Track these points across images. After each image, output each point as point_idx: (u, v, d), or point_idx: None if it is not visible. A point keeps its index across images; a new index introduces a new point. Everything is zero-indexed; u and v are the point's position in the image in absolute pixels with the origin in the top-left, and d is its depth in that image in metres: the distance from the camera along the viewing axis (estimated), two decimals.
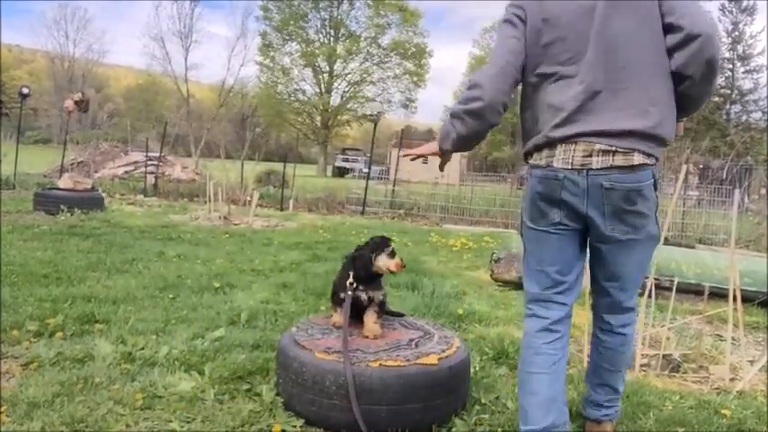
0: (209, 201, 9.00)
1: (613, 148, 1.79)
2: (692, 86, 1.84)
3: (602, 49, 1.81)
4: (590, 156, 1.81)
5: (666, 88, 1.84)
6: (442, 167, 2.16)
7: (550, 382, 1.90)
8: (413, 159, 2.21)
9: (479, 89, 1.87)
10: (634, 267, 1.95)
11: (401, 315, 2.67)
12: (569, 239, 1.93)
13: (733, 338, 3.19)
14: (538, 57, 1.88)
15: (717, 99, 37.94)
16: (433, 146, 2.07)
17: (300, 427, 2.10)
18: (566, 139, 1.83)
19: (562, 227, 1.91)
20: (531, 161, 1.95)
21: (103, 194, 9.59)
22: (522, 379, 1.94)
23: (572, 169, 1.83)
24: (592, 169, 1.81)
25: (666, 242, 3.83)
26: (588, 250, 2.00)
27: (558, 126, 1.84)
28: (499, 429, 2.15)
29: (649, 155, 1.81)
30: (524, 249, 2.04)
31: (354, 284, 2.34)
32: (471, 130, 1.92)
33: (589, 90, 1.82)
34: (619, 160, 1.80)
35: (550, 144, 1.87)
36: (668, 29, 1.80)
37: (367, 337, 2.32)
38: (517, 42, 1.89)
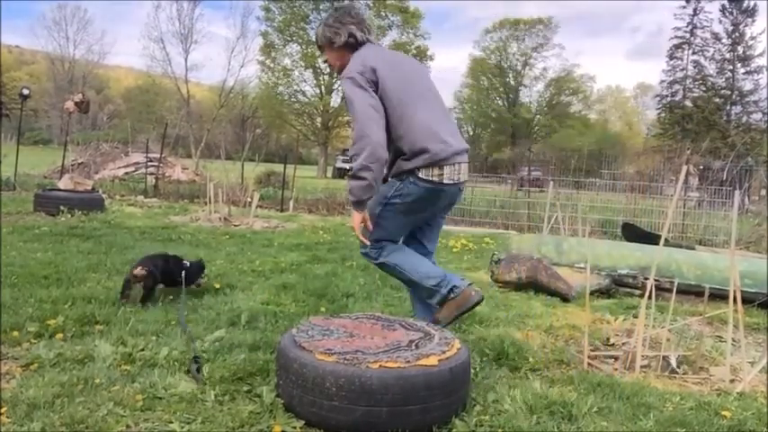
0: (210, 202, 8.99)
1: (467, 163, 2.79)
2: None
3: (433, 92, 2.87)
4: (460, 172, 2.74)
5: None
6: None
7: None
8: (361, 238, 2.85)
9: (367, 138, 2.54)
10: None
11: None
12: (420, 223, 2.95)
13: (733, 340, 3.19)
14: (398, 94, 2.66)
15: (717, 100, 37.95)
16: (357, 217, 2.69)
17: (300, 428, 2.10)
18: (451, 162, 2.69)
19: (423, 217, 2.88)
20: (421, 174, 2.67)
21: (104, 195, 9.59)
22: (415, 261, 2.87)
23: (454, 183, 2.74)
24: (461, 180, 2.79)
25: (667, 243, 3.83)
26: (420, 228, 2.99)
27: (444, 151, 2.66)
28: (499, 430, 2.15)
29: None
30: (384, 220, 2.79)
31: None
32: (379, 172, 2.59)
33: (443, 119, 2.79)
34: (467, 170, 2.82)
35: (439, 164, 2.67)
36: None
37: None
38: (375, 102, 2.62)
